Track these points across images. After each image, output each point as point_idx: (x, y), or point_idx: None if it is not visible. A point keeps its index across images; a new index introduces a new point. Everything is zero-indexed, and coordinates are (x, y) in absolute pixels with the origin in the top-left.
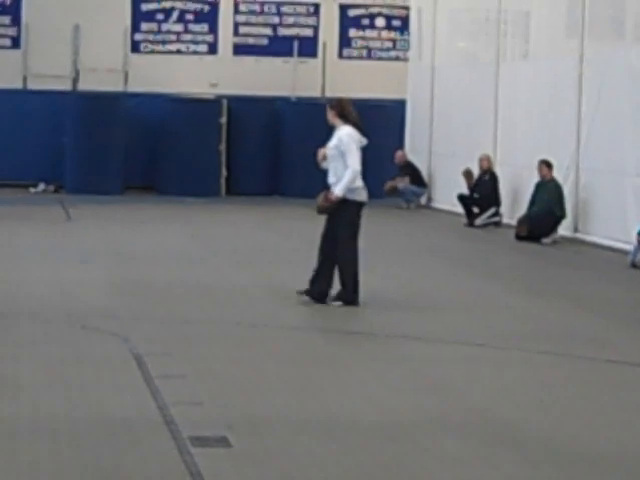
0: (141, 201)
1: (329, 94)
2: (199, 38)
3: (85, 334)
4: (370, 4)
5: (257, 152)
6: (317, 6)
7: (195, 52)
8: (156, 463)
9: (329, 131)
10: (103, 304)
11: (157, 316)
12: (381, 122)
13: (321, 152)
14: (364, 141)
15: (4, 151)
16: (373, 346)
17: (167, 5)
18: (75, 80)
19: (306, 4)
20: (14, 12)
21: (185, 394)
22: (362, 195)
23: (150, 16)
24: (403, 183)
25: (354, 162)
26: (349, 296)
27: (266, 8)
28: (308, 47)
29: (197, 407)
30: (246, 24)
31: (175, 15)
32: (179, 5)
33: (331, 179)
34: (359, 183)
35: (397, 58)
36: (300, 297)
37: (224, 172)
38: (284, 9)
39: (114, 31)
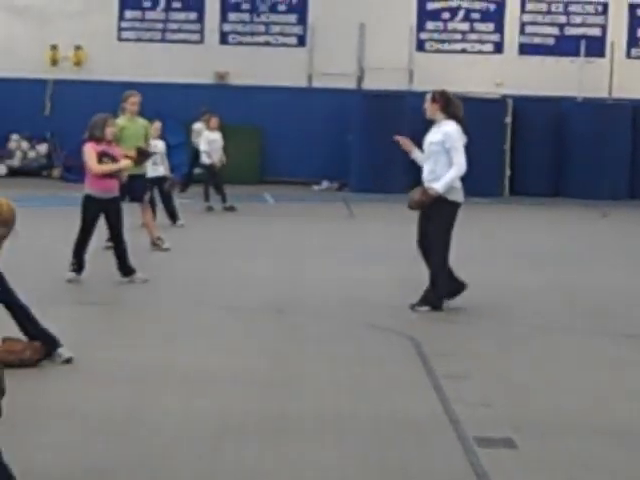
0: None
1: (616, 95)
2: (485, 37)
3: (370, 333)
4: None
5: (542, 153)
6: (605, 5)
7: (480, 51)
8: (442, 463)
9: (616, 132)
10: (388, 303)
11: (440, 315)
12: None
13: (405, 142)
14: (464, 139)
15: (289, 148)
16: None
17: (453, 4)
18: (360, 78)
19: (594, 3)
20: (300, 11)
21: (470, 394)
22: (460, 196)
23: (436, 15)
24: None
25: (461, 160)
26: (437, 299)
27: (553, 7)
28: (595, 47)
29: (482, 407)
30: (533, 23)
31: (461, 14)
32: (465, 4)
33: (427, 175)
34: (458, 184)
35: None
36: (414, 311)
37: (508, 172)
38: (572, 8)
39: (399, 30)
